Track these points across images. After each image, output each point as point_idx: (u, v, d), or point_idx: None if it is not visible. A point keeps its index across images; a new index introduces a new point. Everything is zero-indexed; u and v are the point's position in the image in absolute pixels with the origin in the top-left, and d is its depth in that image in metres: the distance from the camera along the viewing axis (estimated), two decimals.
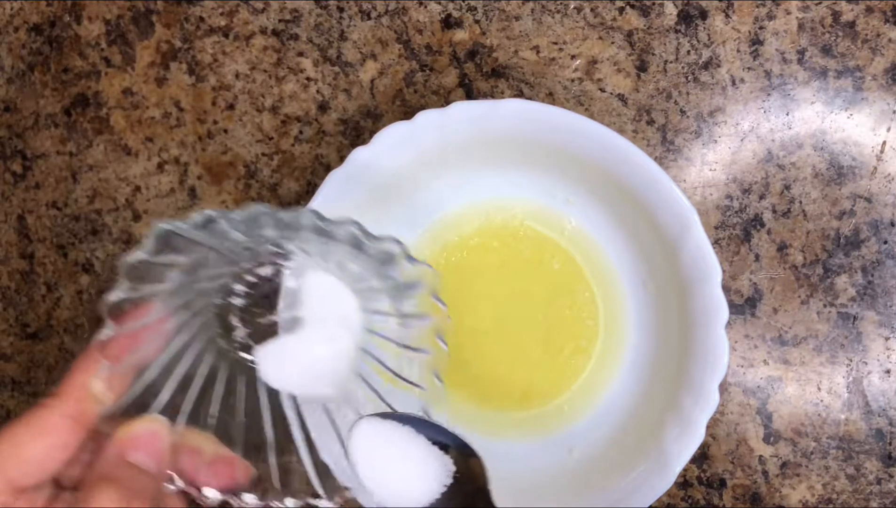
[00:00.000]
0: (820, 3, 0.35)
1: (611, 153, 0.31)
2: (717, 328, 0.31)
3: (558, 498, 0.34)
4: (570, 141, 0.31)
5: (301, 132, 0.39)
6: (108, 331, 0.25)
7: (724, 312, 0.31)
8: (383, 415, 0.28)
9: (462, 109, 0.31)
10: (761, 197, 0.36)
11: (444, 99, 0.38)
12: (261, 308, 0.31)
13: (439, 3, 0.37)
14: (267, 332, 0.30)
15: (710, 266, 0.31)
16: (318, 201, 0.32)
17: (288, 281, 0.30)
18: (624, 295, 0.36)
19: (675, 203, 0.31)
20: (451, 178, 0.35)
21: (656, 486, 0.32)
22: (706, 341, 0.31)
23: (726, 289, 0.37)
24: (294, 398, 0.30)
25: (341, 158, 0.39)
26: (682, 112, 0.36)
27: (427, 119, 0.32)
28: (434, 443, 0.28)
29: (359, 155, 0.32)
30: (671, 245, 0.32)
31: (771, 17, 0.35)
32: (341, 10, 0.38)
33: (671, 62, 0.36)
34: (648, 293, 0.35)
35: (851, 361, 0.36)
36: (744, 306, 0.37)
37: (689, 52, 0.36)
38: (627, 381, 0.36)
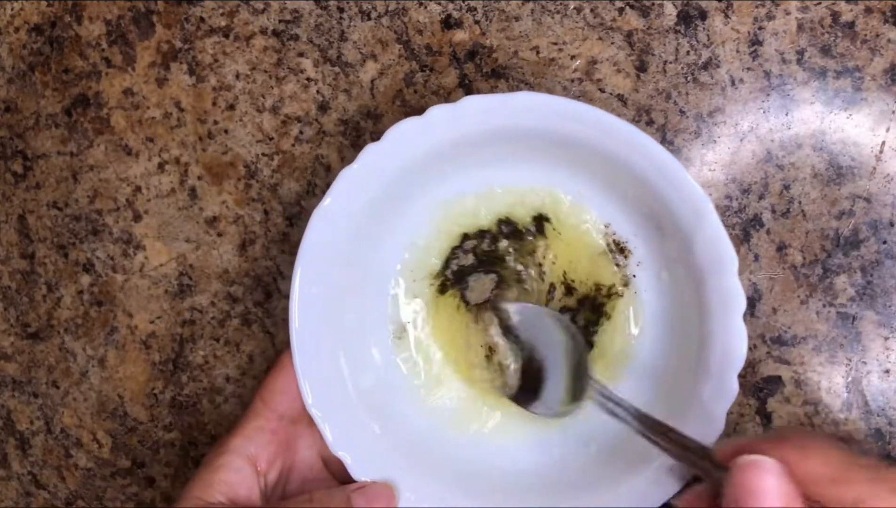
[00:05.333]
0: (819, 3, 0.35)
1: (623, 143, 0.31)
2: (734, 318, 0.31)
3: (574, 495, 0.34)
4: (582, 132, 0.31)
5: (301, 132, 0.39)
6: None
7: (741, 301, 0.31)
8: None
9: (473, 103, 0.31)
10: (760, 197, 0.36)
11: (444, 99, 0.38)
12: None
13: (439, 4, 0.37)
14: None
15: (726, 255, 0.31)
16: (331, 198, 0.32)
17: None
18: (639, 285, 0.35)
19: (689, 191, 0.31)
20: (463, 171, 0.35)
21: (673, 482, 0.32)
22: (724, 331, 0.31)
23: None
24: None
25: (341, 158, 0.39)
26: (682, 112, 0.36)
27: (438, 114, 0.31)
28: None
29: (371, 151, 0.32)
30: (686, 234, 0.32)
31: (770, 17, 0.35)
32: (341, 10, 0.38)
33: (671, 62, 0.36)
34: (663, 283, 0.35)
35: (851, 361, 0.37)
36: None
37: (688, 52, 0.36)
38: (644, 375, 0.35)
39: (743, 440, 0.28)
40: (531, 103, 0.31)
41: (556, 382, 0.34)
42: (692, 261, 0.32)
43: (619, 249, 0.35)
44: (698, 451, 0.29)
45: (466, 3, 0.37)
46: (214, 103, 0.39)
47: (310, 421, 0.34)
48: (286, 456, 0.34)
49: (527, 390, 0.35)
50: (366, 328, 0.36)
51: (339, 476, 0.35)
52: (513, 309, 0.36)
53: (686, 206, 0.31)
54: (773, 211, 0.36)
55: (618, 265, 0.35)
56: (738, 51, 0.36)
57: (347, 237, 0.34)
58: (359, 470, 0.33)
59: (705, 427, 0.32)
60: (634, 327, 0.36)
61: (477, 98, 0.31)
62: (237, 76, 0.39)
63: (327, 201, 0.32)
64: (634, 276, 0.35)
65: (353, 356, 0.35)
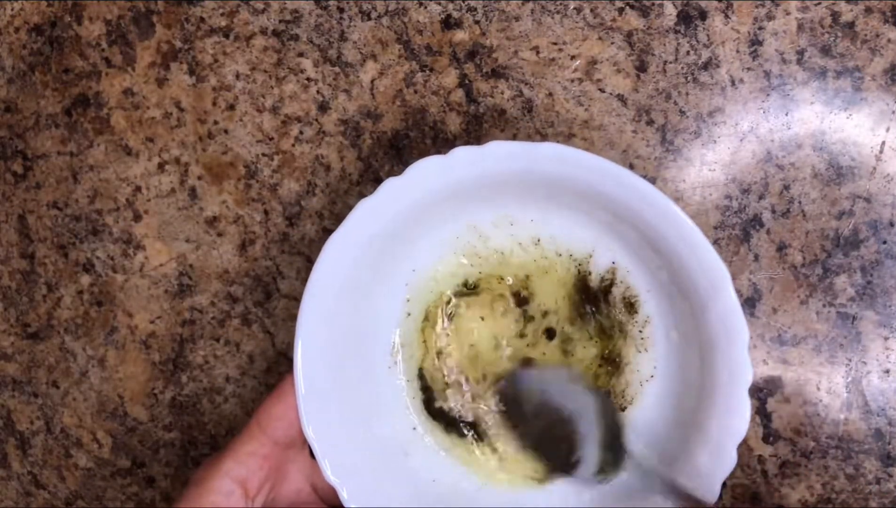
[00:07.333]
0: (819, 3, 0.35)
1: (647, 205, 0.31)
2: (740, 391, 0.31)
3: None
4: (605, 187, 0.31)
5: (301, 132, 0.39)
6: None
7: (748, 374, 0.31)
8: None
9: (498, 148, 0.31)
10: (760, 197, 0.36)
11: (444, 99, 0.38)
12: None
13: (439, 4, 0.37)
14: None
15: (738, 329, 0.31)
16: (347, 228, 0.32)
17: None
18: (645, 342, 0.36)
19: (710, 262, 0.31)
20: (483, 213, 0.35)
21: None
22: (728, 402, 0.31)
23: None
24: None
25: (341, 158, 0.39)
26: (682, 112, 0.36)
27: (462, 155, 0.31)
28: None
29: (390, 185, 0.32)
30: (700, 302, 0.31)
31: (770, 17, 0.35)
32: (341, 10, 0.38)
33: (671, 62, 0.36)
34: (671, 342, 0.35)
35: (851, 361, 0.37)
36: (743, 306, 0.37)
37: (688, 52, 0.36)
38: (642, 433, 0.35)
39: None
40: (556, 154, 0.31)
41: (590, 450, 0.34)
42: (703, 328, 0.32)
43: (629, 304, 0.35)
44: None
45: (466, 3, 0.37)
46: (214, 103, 0.39)
47: (302, 446, 0.34)
48: (276, 481, 0.34)
49: (560, 456, 0.35)
50: (374, 358, 0.36)
51: (328, 501, 0.35)
52: (536, 376, 0.36)
53: (704, 275, 0.31)
54: (773, 211, 0.36)
55: (621, 322, 0.36)
56: (738, 51, 0.36)
57: (358, 267, 0.33)
58: (353, 501, 0.33)
59: (700, 491, 0.31)
60: (638, 382, 0.36)
61: (502, 144, 0.31)
62: (237, 76, 0.39)
63: (344, 229, 0.32)
64: (640, 331, 0.35)
65: (358, 385, 0.35)
